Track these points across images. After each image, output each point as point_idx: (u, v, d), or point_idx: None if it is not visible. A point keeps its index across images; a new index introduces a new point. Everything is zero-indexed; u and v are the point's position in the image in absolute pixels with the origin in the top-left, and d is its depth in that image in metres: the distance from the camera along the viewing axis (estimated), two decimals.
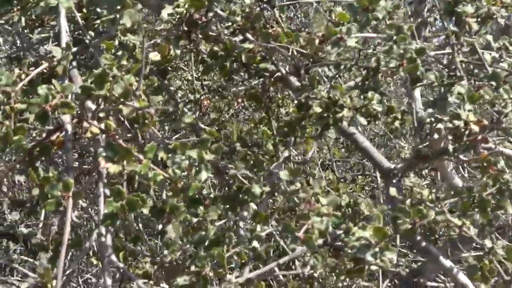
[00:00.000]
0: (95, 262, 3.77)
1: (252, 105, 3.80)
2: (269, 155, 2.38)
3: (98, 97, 1.69)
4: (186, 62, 4.26)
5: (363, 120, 1.91)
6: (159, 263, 1.90)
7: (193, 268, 1.78)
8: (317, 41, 1.61)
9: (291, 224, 1.60)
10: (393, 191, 1.73)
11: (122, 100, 1.70)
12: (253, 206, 2.20)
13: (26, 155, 1.73)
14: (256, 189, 1.77)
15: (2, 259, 3.92)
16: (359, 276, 1.77)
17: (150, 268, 2.03)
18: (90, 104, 1.81)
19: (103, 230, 1.77)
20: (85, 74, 1.93)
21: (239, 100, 5.31)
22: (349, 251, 1.65)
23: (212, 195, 1.87)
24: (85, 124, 1.84)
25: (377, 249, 1.58)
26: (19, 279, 3.64)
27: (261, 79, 2.51)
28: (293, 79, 2.27)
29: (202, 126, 2.70)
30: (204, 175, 1.74)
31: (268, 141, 2.37)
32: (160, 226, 2.09)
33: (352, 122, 2.08)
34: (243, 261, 1.83)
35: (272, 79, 2.36)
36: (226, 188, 2.48)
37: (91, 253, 3.67)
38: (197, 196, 1.80)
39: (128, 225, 1.70)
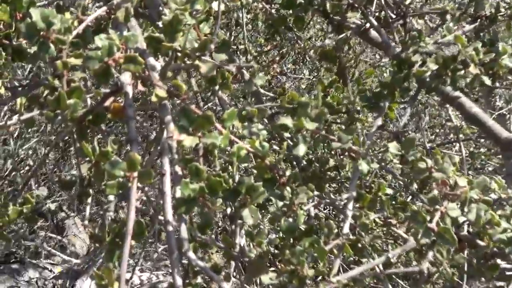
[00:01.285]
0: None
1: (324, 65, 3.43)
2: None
3: (168, 50, 1.32)
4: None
5: (487, 80, 1.54)
6: (236, 256, 1.55)
7: (281, 263, 1.44)
8: None
9: (421, 211, 1.24)
10: None
11: (198, 54, 1.33)
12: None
13: (77, 125, 1.37)
14: (364, 166, 1.40)
15: (28, 240, 3.60)
16: (492, 274, 1.42)
17: (219, 260, 1.70)
18: (152, 61, 1.45)
19: (169, 217, 1.42)
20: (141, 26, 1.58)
21: (275, 66, 4.98)
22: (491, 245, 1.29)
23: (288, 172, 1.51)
24: (139, 86, 1.49)
25: None
26: (51, 262, 3.33)
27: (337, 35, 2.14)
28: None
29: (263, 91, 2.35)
30: (302, 149, 1.39)
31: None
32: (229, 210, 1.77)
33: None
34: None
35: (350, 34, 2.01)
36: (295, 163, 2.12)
37: None
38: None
39: (207, 213, 1.34)
